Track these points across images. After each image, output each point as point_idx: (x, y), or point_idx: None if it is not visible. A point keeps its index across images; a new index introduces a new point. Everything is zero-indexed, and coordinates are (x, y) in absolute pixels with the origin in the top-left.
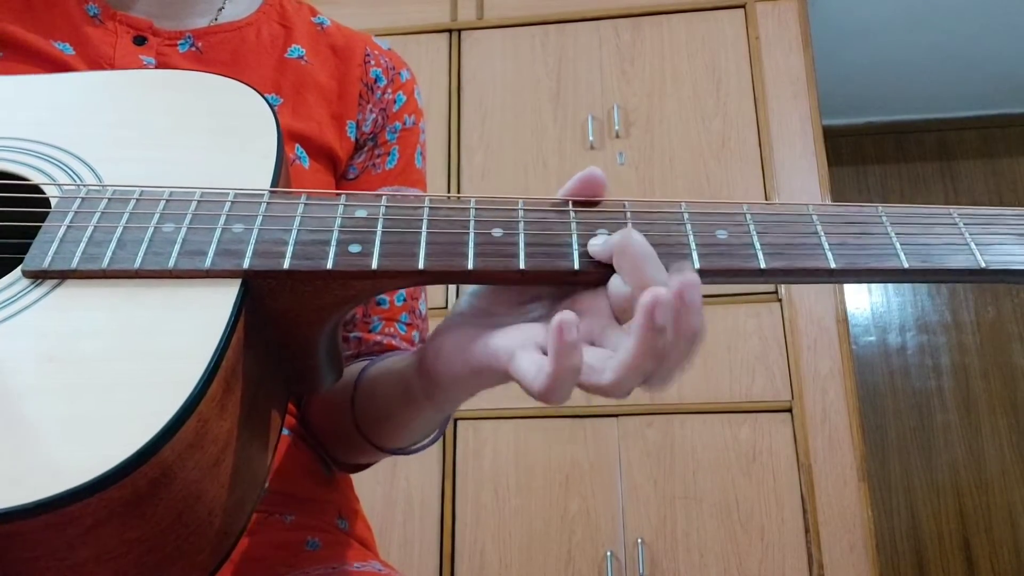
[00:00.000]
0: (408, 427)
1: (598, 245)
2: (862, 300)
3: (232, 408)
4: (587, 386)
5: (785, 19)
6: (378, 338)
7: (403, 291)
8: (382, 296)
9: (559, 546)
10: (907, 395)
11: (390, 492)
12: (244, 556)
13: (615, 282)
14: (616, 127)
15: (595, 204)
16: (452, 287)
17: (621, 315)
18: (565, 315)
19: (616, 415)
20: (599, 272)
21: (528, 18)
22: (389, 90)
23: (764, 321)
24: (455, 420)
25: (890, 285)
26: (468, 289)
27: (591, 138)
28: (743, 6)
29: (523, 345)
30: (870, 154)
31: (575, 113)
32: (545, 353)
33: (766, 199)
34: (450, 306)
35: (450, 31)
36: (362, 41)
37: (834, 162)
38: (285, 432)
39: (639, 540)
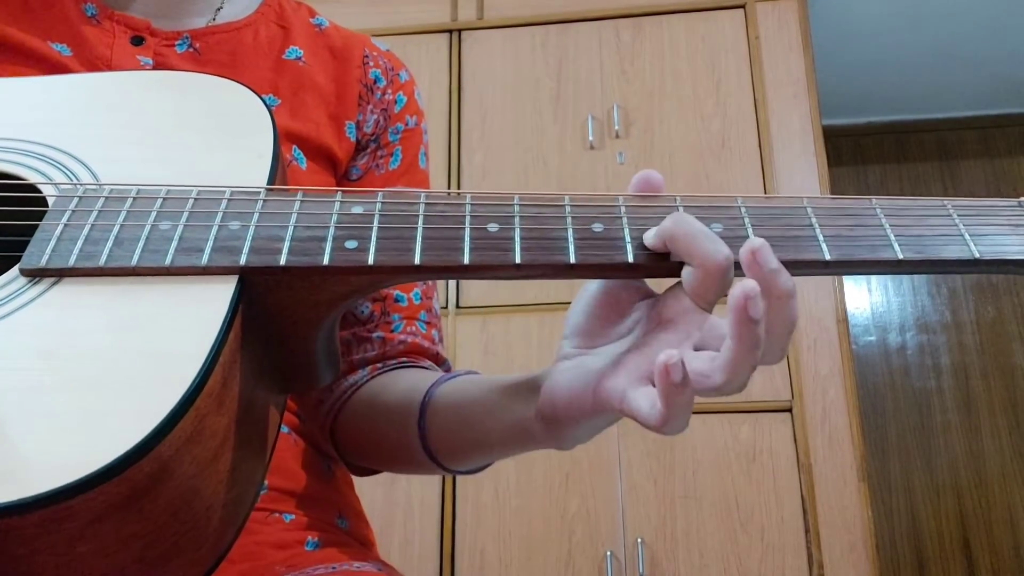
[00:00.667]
0: (504, 455)
1: (651, 237)
2: (862, 300)
3: (230, 404)
4: (701, 392)
5: (785, 19)
6: (401, 336)
7: (419, 289)
8: (399, 293)
9: (559, 546)
10: (907, 395)
11: (390, 492)
12: (244, 555)
13: (685, 273)
14: (616, 127)
15: (590, 199)
16: (452, 287)
17: (703, 303)
18: (670, 356)
19: None
20: (596, 265)
21: (528, 18)
22: (389, 91)
23: None
24: None
25: (890, 284)
26: (564, 332)
27: (591, 138)
28: (743, 6)
29: (631, 383)
30: (870, 154)
31: (575, 113)
32: (653, 383)
33: None
34: (450, 306)
35: (450, 31)
36: (360, 42)
37: (834, 162)
38: (285, 430)
39: (639, 540)
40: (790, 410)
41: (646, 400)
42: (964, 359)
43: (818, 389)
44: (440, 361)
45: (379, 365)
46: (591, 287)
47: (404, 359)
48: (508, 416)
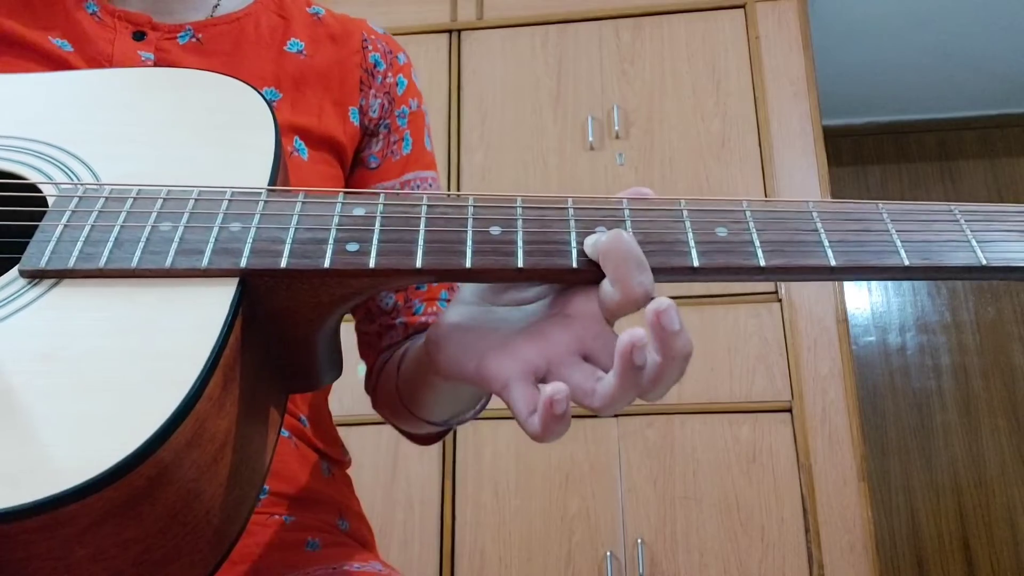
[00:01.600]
0: (437, 401)
1: (589, 244)
2: (862, 300)
3: (230, 407)
4: (578, 404)
5: (785, 19)
6: (423, 319)
7: None
8: None
9: (559, 546)
10: (907, 395)
11: (390, 492)
12: (244, 557)
13: (604, 286)
14: (616, 127)
15: (594, 202)
16: None
17: (610, 317)
18: (557, 391)
19: (616, 415)
20: (598, 270)
21: (528, 18)
22: (389, 74)
23: (764, 321)
24: None
25: (890, 284)
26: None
27: (591, 138)
28: (743, 6)
29: (516, 374)
30: (870, 154)
31: (575, 113)
32: (541, 381)
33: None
34: None
35: (450, 31)
36: (358, 27)
37: (834, 162)
38: (285, 433)
39: (639, 540)
40: (790, 410)
41: (526, 404)
42: (964, 360)
43: (818, 389)
44: None
45: (405, 343)
46: None
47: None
48: (416, 355)
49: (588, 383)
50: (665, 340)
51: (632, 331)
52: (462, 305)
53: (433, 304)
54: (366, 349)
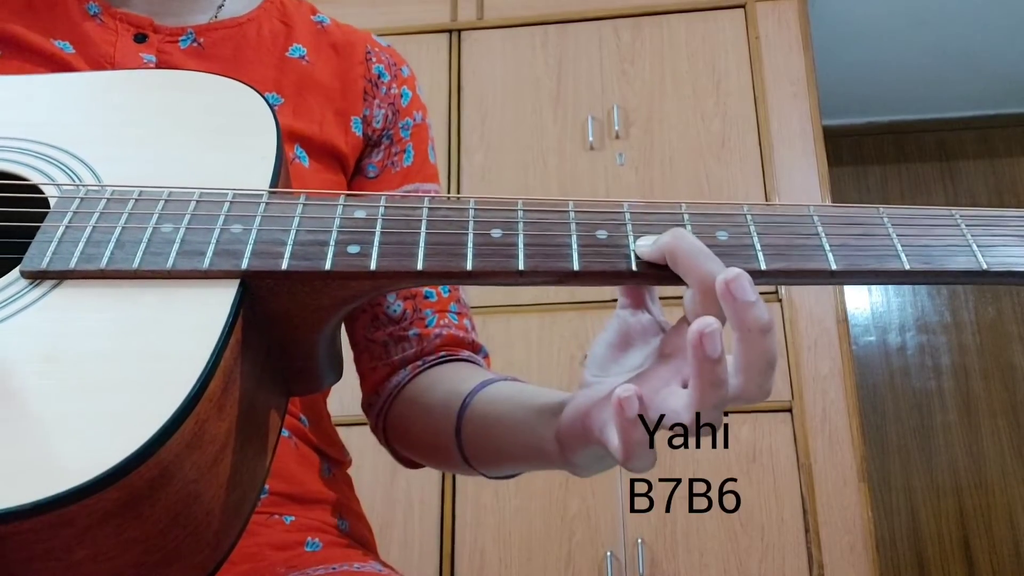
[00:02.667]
0: (528, 469)
1: (646, 246)
2: (862, 300)
3: (230, 408)
4: (672, 429)
5: (785, 19)
6: (436, 330)
7: None
8: (428, 290)
9: (559, 546)
10: (907, 395)
11: (390, 492)
12: (244, 556)
13: (685, 295)
14: (616, 127)
15: (595, 205)
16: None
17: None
18: (625, 390)
19: None
20: (599, 272)
21: (528, 18)
22: (393, 85)
23: None
24: None
25: (890, 285)
26: (587, 361)
27: (591, 138)
28: (743, 6)
29: (612, 415)
30: (870, 154)
31: (575, 113)
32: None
33: (766, 199)
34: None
35: (450, 31)
36: (363, 39)
37: (834, 162)
38: (285, 433)
39: (639, 540)
40: (790, 410)
41: (615, 436)
42: (964, 360)
43: (818, 389)
44: (477, 349)
45: (419, 363)
46: (614, 318)
47: (442, 353)
48: (530, 436)
49: (679, 403)
50: (738, 312)
51: (701, 319)
52: (582, 388)
53: (445, 316)
54: (370, 360)
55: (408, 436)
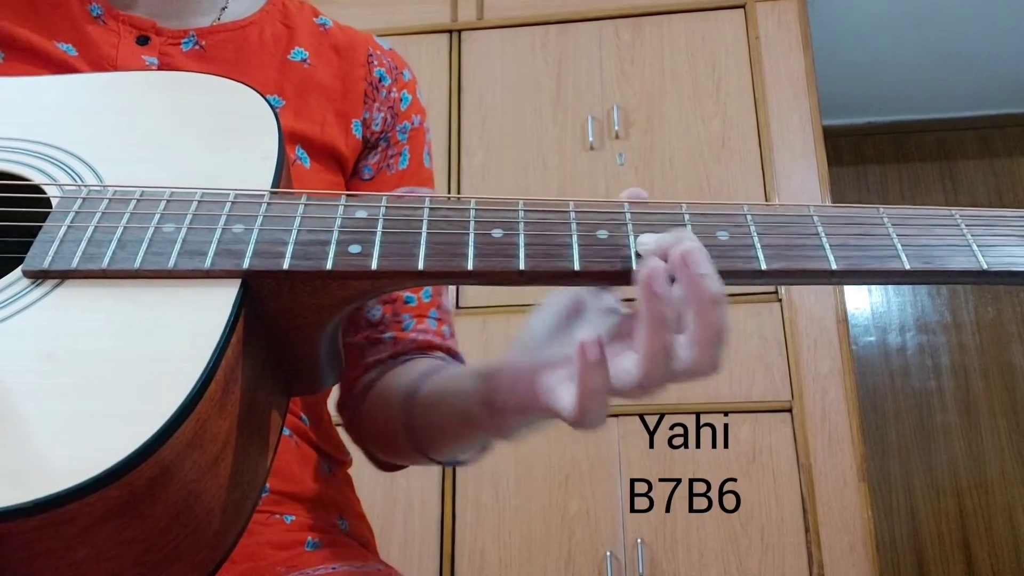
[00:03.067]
0: (463, 444)
1: (648, 244)
2: (862, 300)
3: (231, 408)
4: (621, 391)
5: (785, 19)
6: (412, 335)
7: (428, 288)
8: (409, 295)
9: (559, 546)
10: (907, 395)
11: (390, 492)
12: (244, 556)
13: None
14: (616, 127)
15: (595, 205)
16: (452, 288)
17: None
18: (587, 336)
19: (616, 415)
20: (600, 272)
21: (528, 18)
22: (394, 89)
23: (764, 321)
24: None
25: (890, 285)
26: (525, 333)
27: (591, 138)
28: (743, 6)
29: (561, 380)
30: (870, 154)
31: (575, 113)
32: None
33: (766, 199)
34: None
35: (450, 31)
36: (364, 41)
37: (834, 162)
38: (286, 432)
39: (639, 540)
40: (790, 410)
41: (568, 394)
42: (964, 360)
43: (818, 389)
44: (453, 355)
45: (389, 363)
46: (556, 298)
47: (414, 353)
48: (459, 400)
49: (629, 362)
50: (691, 282)
51: (649, 260)
52: (516, 347)
53: (423, 321)
54: (347, 362)
55: (373, 431)
